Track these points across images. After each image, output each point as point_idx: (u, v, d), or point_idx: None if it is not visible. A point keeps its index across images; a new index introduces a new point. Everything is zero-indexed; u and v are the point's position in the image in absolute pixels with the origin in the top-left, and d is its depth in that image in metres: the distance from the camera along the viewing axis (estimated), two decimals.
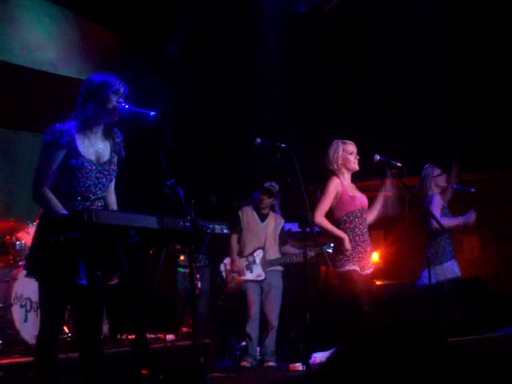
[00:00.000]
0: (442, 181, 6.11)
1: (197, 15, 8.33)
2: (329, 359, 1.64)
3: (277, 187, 6.72)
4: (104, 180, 3.63)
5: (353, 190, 5.28)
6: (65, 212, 3.41)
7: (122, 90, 3.57)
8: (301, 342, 6.66)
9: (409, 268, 6.18)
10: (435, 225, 5.60)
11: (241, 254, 6.79)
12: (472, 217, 5.97)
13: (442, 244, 5.87)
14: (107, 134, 3.68)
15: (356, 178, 5.43)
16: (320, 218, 5.13)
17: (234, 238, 6.78)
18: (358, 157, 5.28)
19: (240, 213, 6.86)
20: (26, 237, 5.91)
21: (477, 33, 7.92)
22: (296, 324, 7.07)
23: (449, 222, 5.84)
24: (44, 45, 7.42)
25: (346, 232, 5.14)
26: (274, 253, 6.78)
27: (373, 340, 1.62)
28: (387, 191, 5.31)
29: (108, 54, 8.11)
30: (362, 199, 5.27)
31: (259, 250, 6.75)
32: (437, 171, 6.12)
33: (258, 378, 6.29)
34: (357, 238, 5.15)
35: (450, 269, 5.87)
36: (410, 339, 1.65)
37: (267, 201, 6.78)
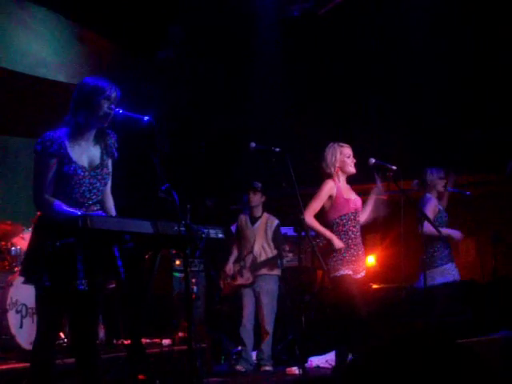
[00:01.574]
0: (440, 185, 6.09)
1: (192, 20, 8.34)
2: (348, 368, 1.66)
3: (259, 184, 6.77)
4: (98, 184, 3.61)
5: (348, 193, 5.26)
6: (74, 212, 3.37)
7: (113, 95, 3.53)
8: (297, 346, 6.66)
9: (405, 271, 6.17)
10: (427, 228, 5.53)
11: (237, 260, 6.87)
12: (459, 236, 6.02)
13: (437, 247, 5.86)
14: (99, 138, 3.64)
15: (351, 181, 5.41)
16: (309, 217, 5.11)
17: (235, 246, 6.93)
18: (354, 160, 5.27)
19: (237, 222, 6.95)
20: (22, 242, 5.90)
21: (475, 35, 7.95)
22: (292, 328, 7.07)
23: (434, 230, 5.77)
24: (41, 51, 7.43)
25: (338, 234, 5.11)
26: (266, 256, 6.78)
27: (390, 351, 1.62)
28: (379, 194, 5.28)
29: (103, 60, 8.12)
30: (356, 202, 5.24)
31: (250, 254, 6.77)
32: (442, 174, 6.10)
33: (254, 383, 6.28)
34: (349, 241, 5.11)
35: (449, 271, 5.85)
36: (424, 347, 1.65)
37: (253, 198, 6.79)
